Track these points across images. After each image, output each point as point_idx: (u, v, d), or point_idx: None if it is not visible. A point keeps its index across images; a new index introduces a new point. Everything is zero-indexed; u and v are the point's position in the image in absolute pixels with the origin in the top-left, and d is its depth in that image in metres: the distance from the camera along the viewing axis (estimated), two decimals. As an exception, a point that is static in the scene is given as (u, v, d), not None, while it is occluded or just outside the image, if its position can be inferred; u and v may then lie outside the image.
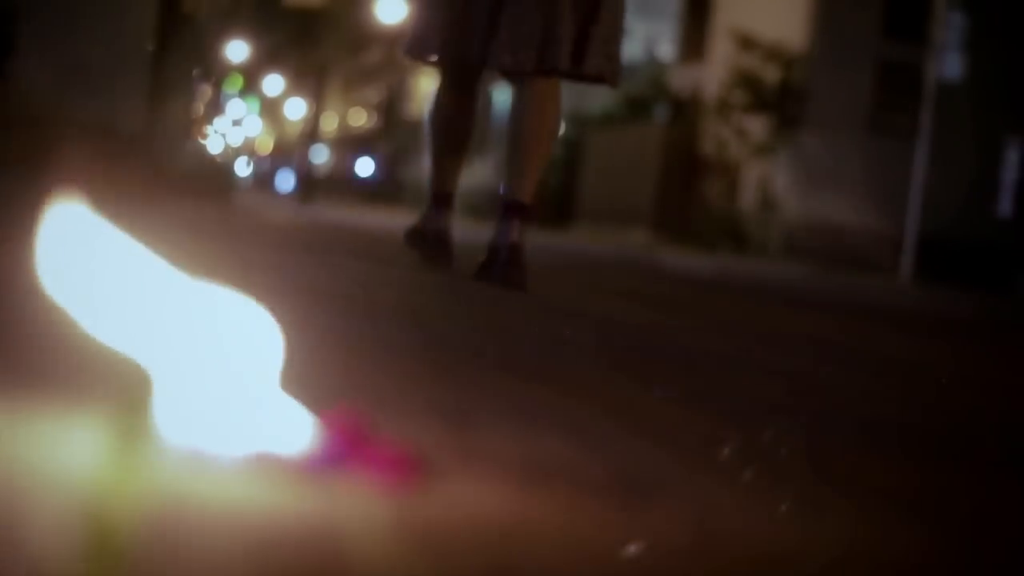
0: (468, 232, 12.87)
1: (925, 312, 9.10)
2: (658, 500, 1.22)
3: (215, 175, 12.30)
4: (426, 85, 44.63)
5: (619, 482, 1.29)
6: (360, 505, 1.02)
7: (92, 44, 10.33)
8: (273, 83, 60.50)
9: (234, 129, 53.20)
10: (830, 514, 1.28)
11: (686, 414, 1.87)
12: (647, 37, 44.28)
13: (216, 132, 31.42)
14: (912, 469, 1.66)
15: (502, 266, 4.10)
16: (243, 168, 46.13)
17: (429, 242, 4.56)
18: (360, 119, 60.39)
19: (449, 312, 3.29)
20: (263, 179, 63.39)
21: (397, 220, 12.24)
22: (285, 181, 57.63)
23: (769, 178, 25.74)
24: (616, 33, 4.30)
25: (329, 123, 59.24)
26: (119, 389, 0.99)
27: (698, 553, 1.05)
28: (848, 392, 2.59)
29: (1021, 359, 5.35)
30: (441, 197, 4.59)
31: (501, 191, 4.27)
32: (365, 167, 52.43)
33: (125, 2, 10.89)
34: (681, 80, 32.03)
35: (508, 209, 4.20)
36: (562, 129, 4.90)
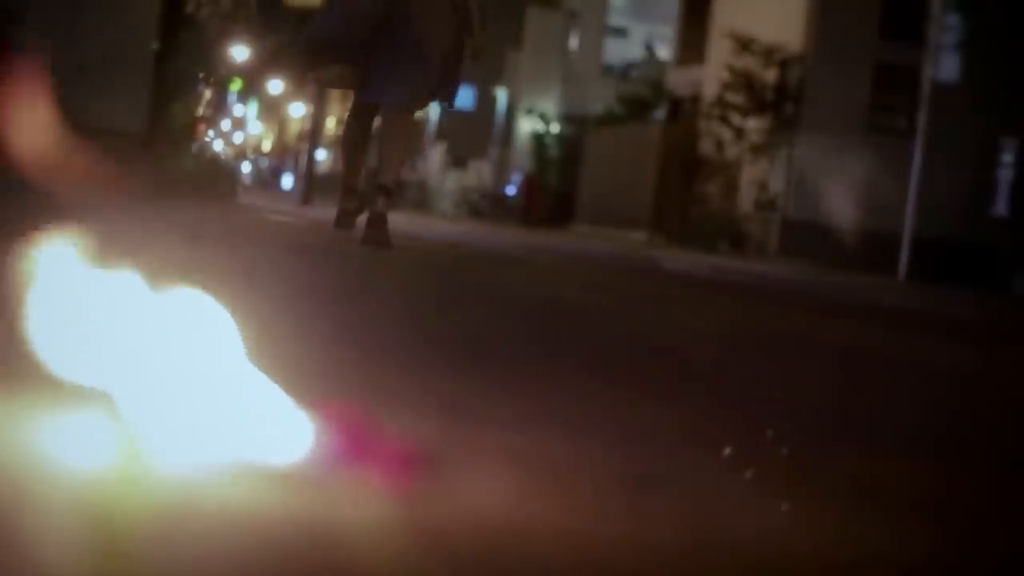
0: (471, 232, 12.86)
1: (923, 311, 9.09)
2: (659, 499, 1.23)
3: (218, 176, 12.37)
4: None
5: (619, 480, 1.29)
6: (361, 503, 1.02)
7: (95, 45, 10.41)
8: (274, 84, 60.44)
9: (236, 130, 53.15)
10: (829, 513, 1.27)
11: (687, 412, 1.86)
12: (647, 38, 44.27)
13: (219, 133, 31.41)
14: (911, 468, 1.64)
15: (372, 228, 6.03)
16: (245, 168, 46.08)
17: (348, 220, 6.71)
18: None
19: (450, 311, 3.33)
20: (265, 179, 63.32)
21: (394, 220, 12.14)
22: (287, 181, 57.60)
23: (767, 178, 25.80)
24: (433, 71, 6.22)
25: (330, 124, 59.19)
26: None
27: (699, 552, 1.05)
28: (847, 391, 2.56)
29: (1019, 359, 5.19)
30: (351, 188, 6.70)
31: (377, 179, 6.31)
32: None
33: (128, 3, 10.96)
34: (680, 81, 32.06)
35: (379, 189, 6.23)
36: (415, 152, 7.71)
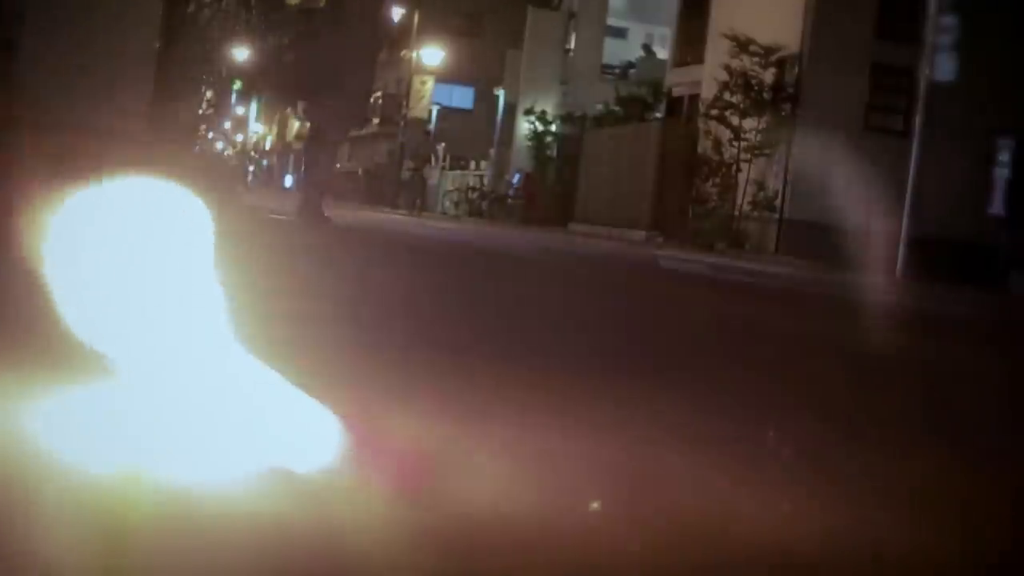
0: (471, 232, 12.84)
1: (920, 310, 9.09)
2: (658, 497, 1.24)
3: (219, 175, 12.43)
4: (429, 85, 44.61)
5: (619, 478, 1.31)
6: (364, 504, 1.02)
7: (96, 45, 10.46)
8: (275, 83, 60.28)
9: (237, 129, 53.05)
10: (827, 510, 1.28)
11: (686, 411, 1.87)
12: (645, 38, 44.29)
13: (220, 132, 31.42)
14: (910, 467, 1.64)
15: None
16: (247, 168, 45.98)
17: (318, 218, 9.23)
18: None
19: (451, 309, 3.39)
20: (267, 178, 63.27)
21: (392, 218, 12.25)
22: (288, 180, 57.59)
23: (765, 178, 25.85)
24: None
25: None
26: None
27: (698, 549, 1.07)
28: (845, 390, 2.55)
29: (1013, 355, 5.14)
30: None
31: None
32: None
33: (130, 3, 11.00)
34: (679, 81, 32.10)
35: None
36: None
